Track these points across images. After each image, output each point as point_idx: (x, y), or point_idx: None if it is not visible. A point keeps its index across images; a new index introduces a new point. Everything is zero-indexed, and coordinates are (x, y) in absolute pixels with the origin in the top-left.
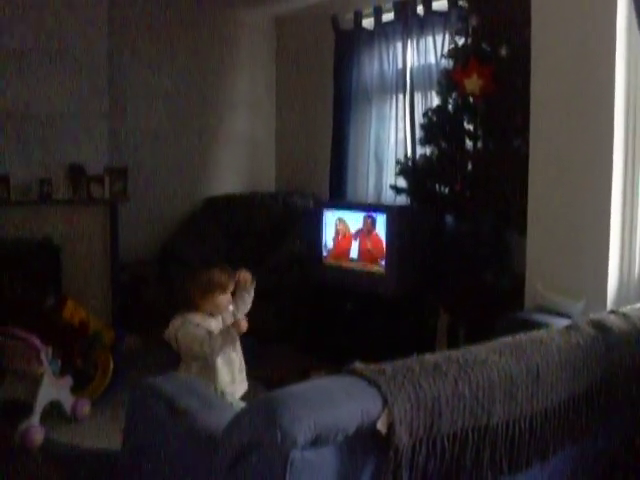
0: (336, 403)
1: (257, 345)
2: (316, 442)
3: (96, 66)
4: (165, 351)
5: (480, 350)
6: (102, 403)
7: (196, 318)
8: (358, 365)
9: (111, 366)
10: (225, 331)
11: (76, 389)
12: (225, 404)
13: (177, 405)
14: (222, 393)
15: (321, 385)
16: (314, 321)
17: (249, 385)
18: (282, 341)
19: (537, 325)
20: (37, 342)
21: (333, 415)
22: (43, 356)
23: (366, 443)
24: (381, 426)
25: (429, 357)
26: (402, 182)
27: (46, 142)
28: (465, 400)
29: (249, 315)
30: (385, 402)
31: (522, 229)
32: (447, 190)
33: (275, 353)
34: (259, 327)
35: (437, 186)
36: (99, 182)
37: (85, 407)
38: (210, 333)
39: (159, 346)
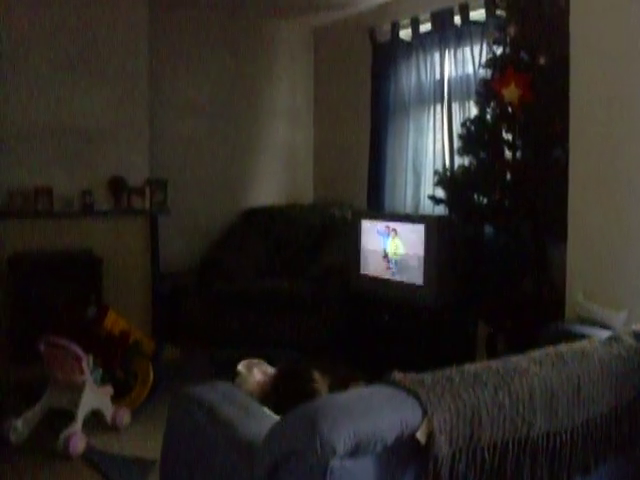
0: (376, 413)
1: (301, 359)
2: (355, 451)
3: (136, 79)
4: (203, 362)
5: (520, 360)
6: (142, 413)
7: None
8: (397, 375)
9: (151, 376)
10: None
11: (116, 398)
12: (265, 413)
13: (218, 413)
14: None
15: (361, 395)
16: (353, 333)
17: None
18: (323, 354)
19: (578, 336)
20: (79, 351)
21: (372, 425)
22: (85, 365)
23: (405, 453)
24: (421, 436)
25: (469, 367)
26: (440, 193)
27: (88, 154)
28: (505, 410)
29: (293, 327)
30: (425, 412)
31: (562, 239)
32: (485, 200)
33: (315, 366)
34: (302, 340)
35: (475, 196)
36: (140, 194)
37: (125, 416)
38: None
39: (197, 357)
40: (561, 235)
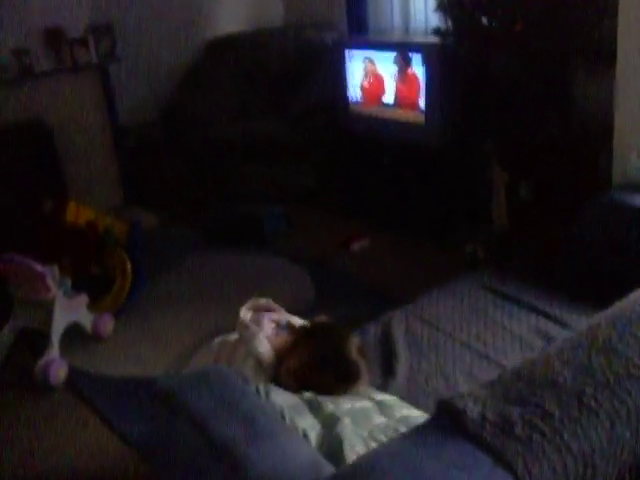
0: None
1: (287, 216)
2: None
3: None
4: (186, 230)
5: (627, 352)
6: (126, 315)
7: None
8: (458, 400)
9: (129, 267)
10: None
11: (96, 302)
12: (283, 427)
13: (213, 438)
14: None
15: (413, 454)
16: (348, 179)
17: (284, 262)
18: (315, 203)
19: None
20: (39, 268)
21: None
22: (49, 280)
23: None
24: None
25: (560, 373)
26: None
27: (13, 5)
28: (624, 443)
29: (277, 177)
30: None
31: (603, 67)
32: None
33: (310, 220)
34: (289, 190)
35: (485, 20)
36: (83, 44)
37: (108, 324)
38: None
39: (178, 224)
40: (602, 63)
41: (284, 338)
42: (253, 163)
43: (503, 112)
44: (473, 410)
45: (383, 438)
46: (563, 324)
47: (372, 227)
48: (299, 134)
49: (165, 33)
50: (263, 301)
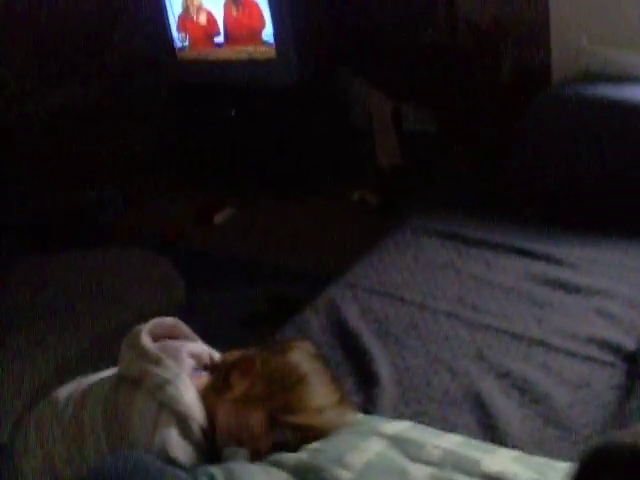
0: None
1: (126, 197)
2: None
3: None
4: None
5: None
6: None
7: None
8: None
9: None
10: None
11: None
12: None
13: None
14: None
15: None
16: (193, 141)
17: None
18: (159, 176)
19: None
20: None
21: None
22: None
23: None
24: None
25: None
26: None
27: None
28: None
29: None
30: None
31: None
32: None
33: (156, 196)
34: (125, 162)
35: None
36: None
37: None
38: None
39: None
40: None
41: (203, 380)
42: (74, 139)
43: (374, 28)
44: None
45: None
46: (552, 260)
47: (234, 193)
48: (124, 97)
49: None
50: (170, 321)
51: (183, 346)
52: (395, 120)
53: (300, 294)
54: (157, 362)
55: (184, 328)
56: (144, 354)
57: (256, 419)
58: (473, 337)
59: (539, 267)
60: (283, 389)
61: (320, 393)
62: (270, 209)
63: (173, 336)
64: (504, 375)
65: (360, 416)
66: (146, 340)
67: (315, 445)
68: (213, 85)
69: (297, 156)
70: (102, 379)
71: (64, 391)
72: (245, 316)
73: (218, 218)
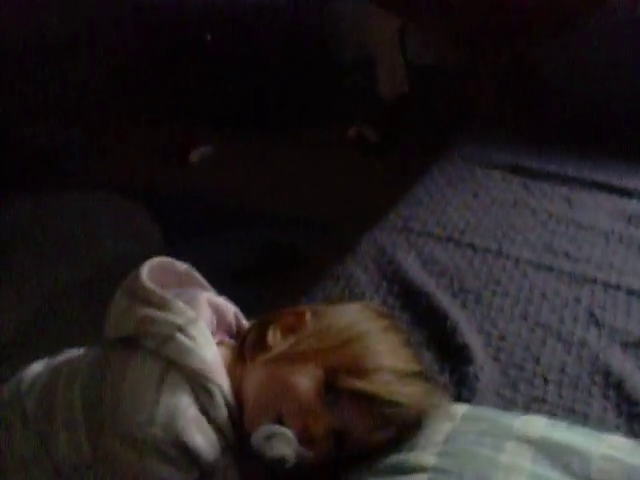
0: None
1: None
2: None
3: None
4: None
5: None
6: None
7: None
8: None
9: None
10: None
11: None
12: None
13: None
14: None
15: None
16: (160, 70)
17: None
18: (122, 111)
19: None
20: None
21: None
22: None
23: None
24: None
25: None
26: None
27: None
28: None
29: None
30: None
31: None
32: None
33: (121, 134)
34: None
35: None
36: None
37: None
38: None
39: None
40: None
41: (226, 346)
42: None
43: None
44: None
45: None
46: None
47: (211, 129)
48: (75, 25)
49: None
50: (181, 267)
51: (201, 293)
52: (401, 43)
53: (296, 242)
54: (163, 306)
55: (200, 279)
56: (145, 297)
57: (305, 376)
58: (576, 295)
59: (623, 202)
60: (341, 345)
61: (390, 355)
62: (252, 146)
63: (192, 282)
64: (634, 344)
65: (465, 407)
66: (148, 281)
67: (429, 459)
68: (185, 6)
69: (282, 87)
70: (79, 355)
71: (27, 375)
72: (236, 269)
73: (194, 156)
